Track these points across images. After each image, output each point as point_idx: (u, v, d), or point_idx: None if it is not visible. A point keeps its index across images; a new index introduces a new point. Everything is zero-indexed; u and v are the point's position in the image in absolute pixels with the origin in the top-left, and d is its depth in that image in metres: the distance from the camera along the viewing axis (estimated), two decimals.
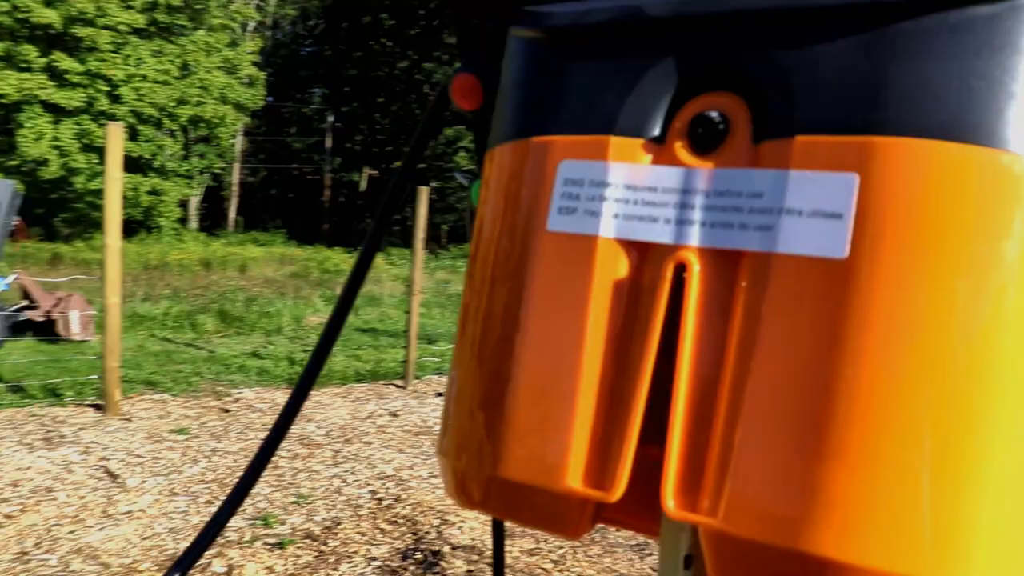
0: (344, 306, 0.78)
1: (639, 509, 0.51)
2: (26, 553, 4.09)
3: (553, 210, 0.50)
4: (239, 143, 41.93)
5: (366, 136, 43.57)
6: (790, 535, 0.41)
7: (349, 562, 4.07)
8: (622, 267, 0.48)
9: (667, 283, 0.46)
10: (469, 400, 0.54)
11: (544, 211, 0.50)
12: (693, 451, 0.45)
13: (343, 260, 28.77)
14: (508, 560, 4.09)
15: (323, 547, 4.24)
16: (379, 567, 4.02)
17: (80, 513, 4.64)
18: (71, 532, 4.37)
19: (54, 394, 7.58)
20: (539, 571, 3.98)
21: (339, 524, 4.57)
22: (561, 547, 4.29)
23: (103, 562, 4.02)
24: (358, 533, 4.45)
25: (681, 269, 0.46)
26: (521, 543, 4.32)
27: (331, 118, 45.39)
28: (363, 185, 44.16)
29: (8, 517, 4.52)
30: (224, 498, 0.75)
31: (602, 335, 0.48)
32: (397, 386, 8.85)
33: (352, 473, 5.57)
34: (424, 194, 8.93)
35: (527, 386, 0.50)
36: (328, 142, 45.64)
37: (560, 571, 4.00)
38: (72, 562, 4.01)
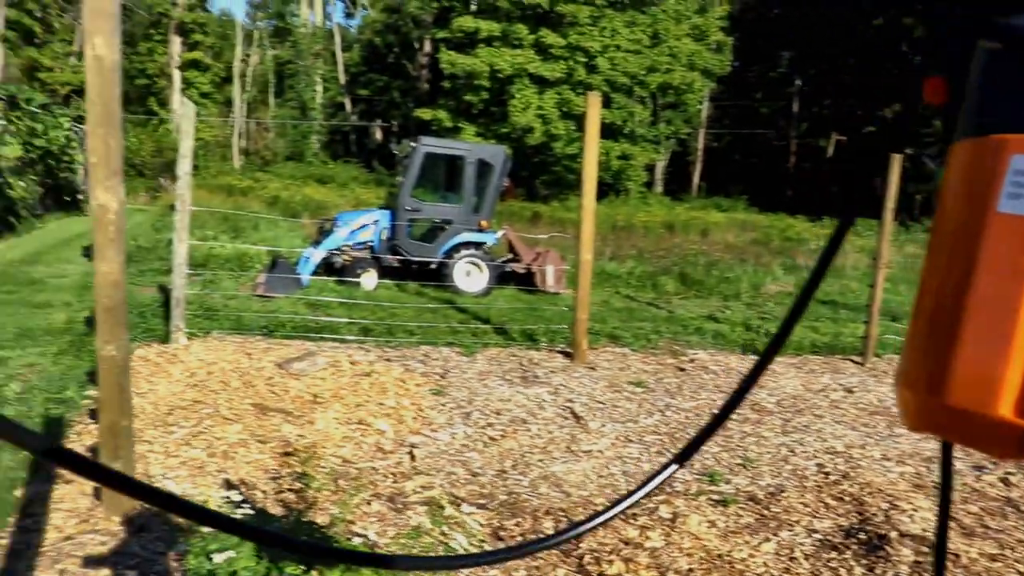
0: (814, 280, 0.87)
1: None
2: (505, 471, 4.71)
3: (1003, 195, 0.59)
4: (705, 109, 42.53)
5: (835, 100, 41.61)
6: None
7: (790, 530, 4.07)
8: None
9: None
10: (925, 341, 0.66)
11: (995, 196, 0.60)
12: None
13: (806, 229, 27.77)
14: (965, 561, 3.80)
15: (765, 511, 4.29)
16: (819, 540, 3.96)
17: (548, 445, 5.20)
18: (540, 460, 4.93)
19: (530, 338, 8.50)
20: None
21: (783, 491, 4.58)
22: None
23: (564, 491, 4.48)
24: (801, 503, 4.42)
25: None
26: (982, 545, 3.98)
27: (798, 82, 44.06)
28: (830, 151, 42.38)
29: (492, 439, 5.23)
30: (681, 448, 0.87)
31: None
32: (855, 362, 8.52)
33: (800, 444, 5.52)
34: (897, 162, 8.33)
35: (972, 331, 0.60)
36: (795, 107, 44.43)
37: None
38: (540, 486, 4.53)
